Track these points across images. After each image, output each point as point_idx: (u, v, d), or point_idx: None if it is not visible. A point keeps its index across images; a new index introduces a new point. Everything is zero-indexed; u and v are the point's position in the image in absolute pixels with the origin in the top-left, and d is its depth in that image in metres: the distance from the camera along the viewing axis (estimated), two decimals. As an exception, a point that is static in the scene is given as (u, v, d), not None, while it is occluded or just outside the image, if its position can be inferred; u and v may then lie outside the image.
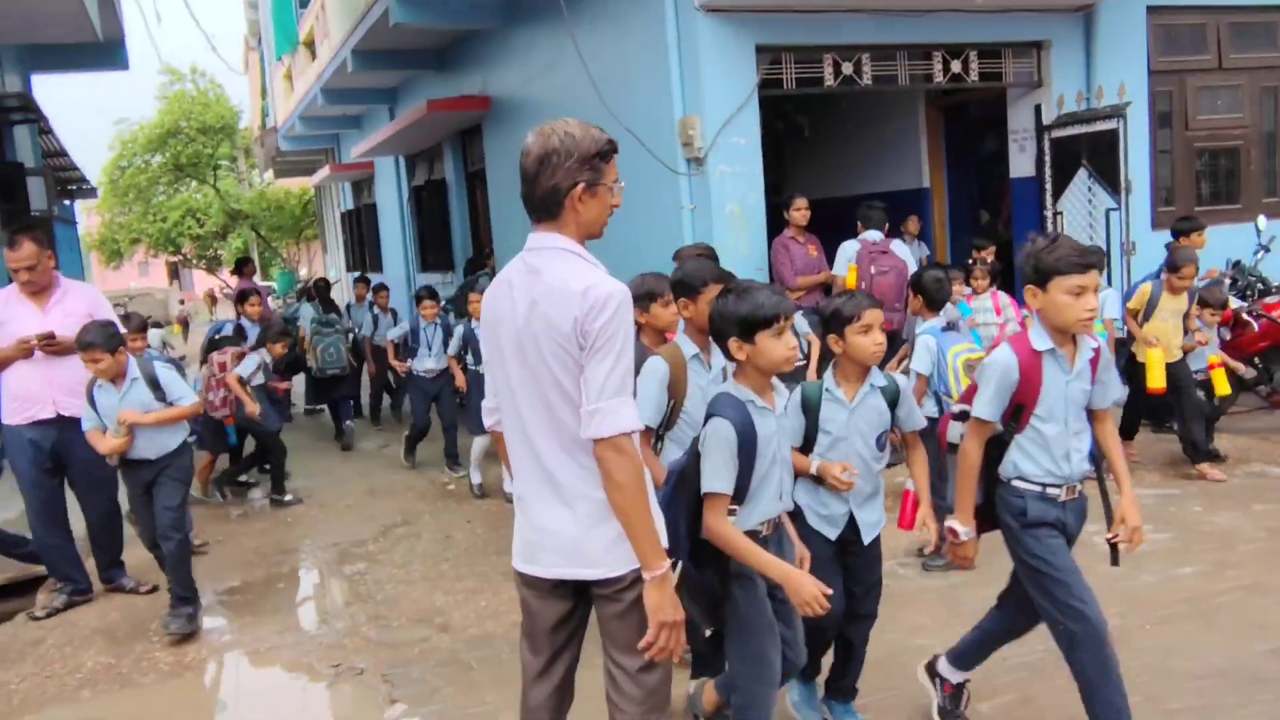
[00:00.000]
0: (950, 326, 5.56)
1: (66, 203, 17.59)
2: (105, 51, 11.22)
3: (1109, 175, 8.27)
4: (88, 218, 33.20)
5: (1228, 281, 7.82)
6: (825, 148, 12.56)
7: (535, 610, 2.65)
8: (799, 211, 7.89)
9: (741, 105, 7.66)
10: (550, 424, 2.48)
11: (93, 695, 4.62)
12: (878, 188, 11.59)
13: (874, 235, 7.70)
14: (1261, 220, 8.14)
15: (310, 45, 16.83)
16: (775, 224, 8.06)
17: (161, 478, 5.30)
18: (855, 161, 12.02)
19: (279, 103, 22.08)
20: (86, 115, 33.18)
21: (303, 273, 34.15)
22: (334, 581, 6.09)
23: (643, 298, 4.01)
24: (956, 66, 8.55)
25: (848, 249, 7.62)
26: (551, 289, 2.42)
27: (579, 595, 2.61)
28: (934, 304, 5.38)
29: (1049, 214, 8.80)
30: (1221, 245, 8.33)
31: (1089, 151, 8.43)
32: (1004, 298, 7.26)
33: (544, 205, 2.48)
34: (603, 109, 8.37)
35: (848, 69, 8.17)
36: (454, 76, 13.22)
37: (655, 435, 3.67)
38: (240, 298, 9.58)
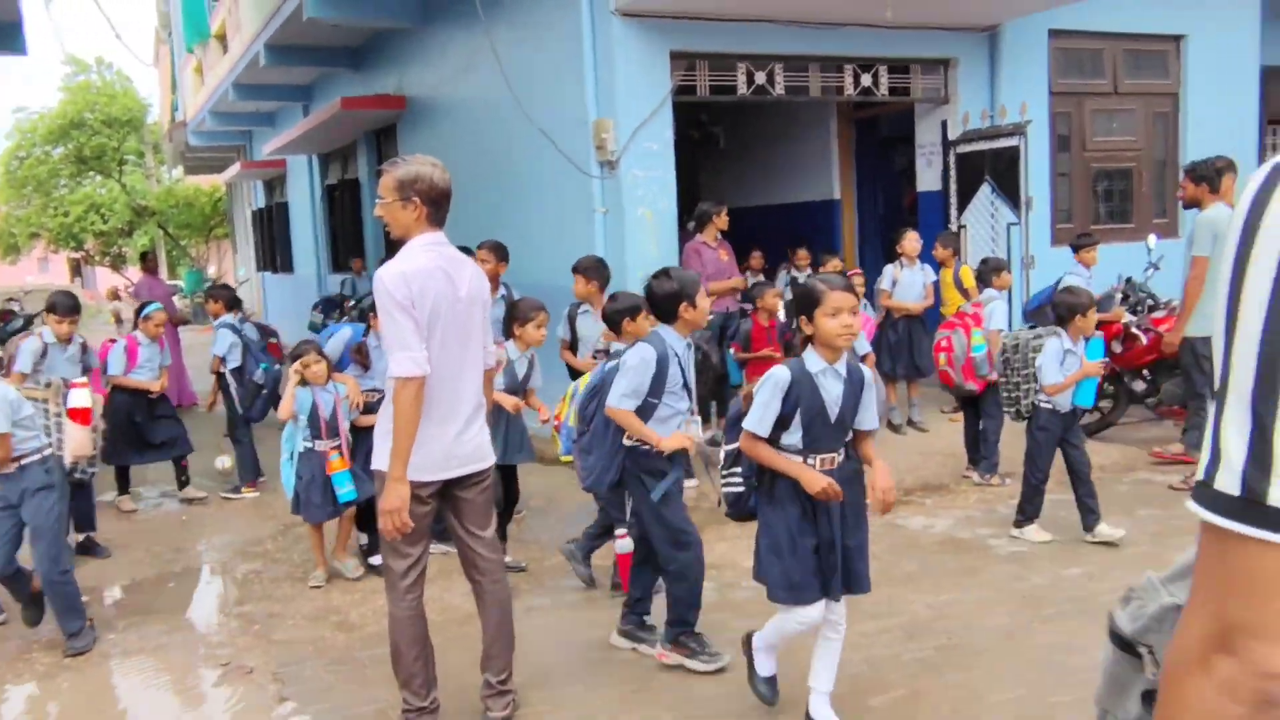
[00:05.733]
0: None
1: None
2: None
3: (1010, 191, 8.53)
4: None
5: (1119, 297, 8.11)
6: (739, 157, 12.71)
7: None
8: (721, 219, 7.93)
9: (655, 110, 7.71)
10: None
11: (-35, 695, 4.43)
12: (790, 198, 11.78)
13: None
14: (1152, 239, 8.46)
15: (222, 38, 16.46)
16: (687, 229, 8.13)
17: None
18: (768, 172, 12.18)
19: (189, 97, 21.53)
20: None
21: (211, 271, 33.29)
22: (228, 580, 5.94)
23: (676, 297, 4.18)
24: (867, 80, 8.73)
25: None
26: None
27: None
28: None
29: (954, 227, 9.03)
30: (1115, 262, 8.64)
31: (992, 167, 8.68)
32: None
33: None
34: (518, 111, 8.36)
35: (761, 78, 8.29)
36: (369, 75, 13.06)
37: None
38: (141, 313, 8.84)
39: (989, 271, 7.20)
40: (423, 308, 3.47)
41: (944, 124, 9.19)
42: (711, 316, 7.41)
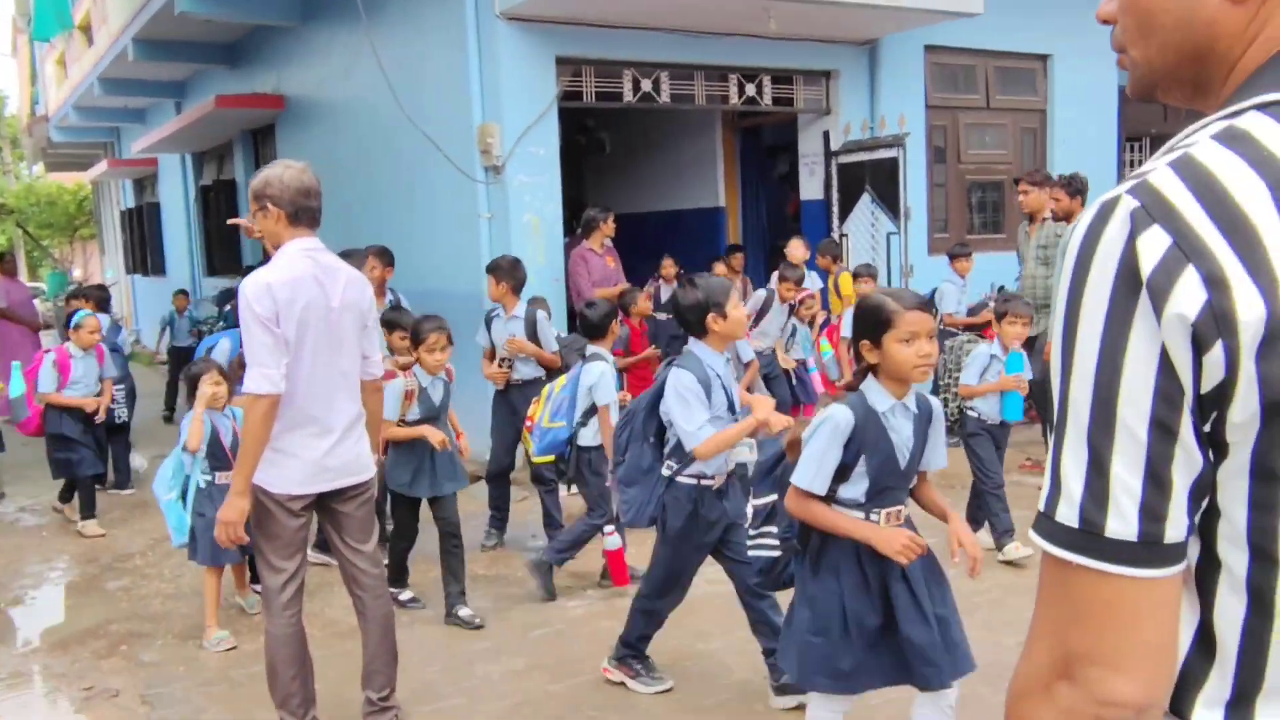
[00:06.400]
0: None
1: None
2: None
3: (890, 201, 8.75)
4: None
5: (992, 303, 8.40)
6: (626, 164, 12.75)
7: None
8: (608, 225, 7.93)
9: (541, 115, 7.67)
10: None
11: None
12: (676, 205, 11.86)
13: None
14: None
15: (86, 30, 15.74)
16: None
17: None
18: (655, 179, 12.26)
19: (50, 90, 20.54)
20: None
21: (76, 274, 31.82)
22: (93, 598, 5.66)
23: (702, 308, 3.70)
24: (751, 90, 8.85)
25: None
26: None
27: None
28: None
29: (835, 235, 9.22)
30: (988, 271, 8.95)
31: (872, 177, 8.89)
32: None
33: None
34: (400, 114, 8.21)
35: (647, 85, 8.32)
36: (247, 73, 12.67)
37: None
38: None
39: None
40: (289, 318, 3.36)
41: (826, 134, 9.38)
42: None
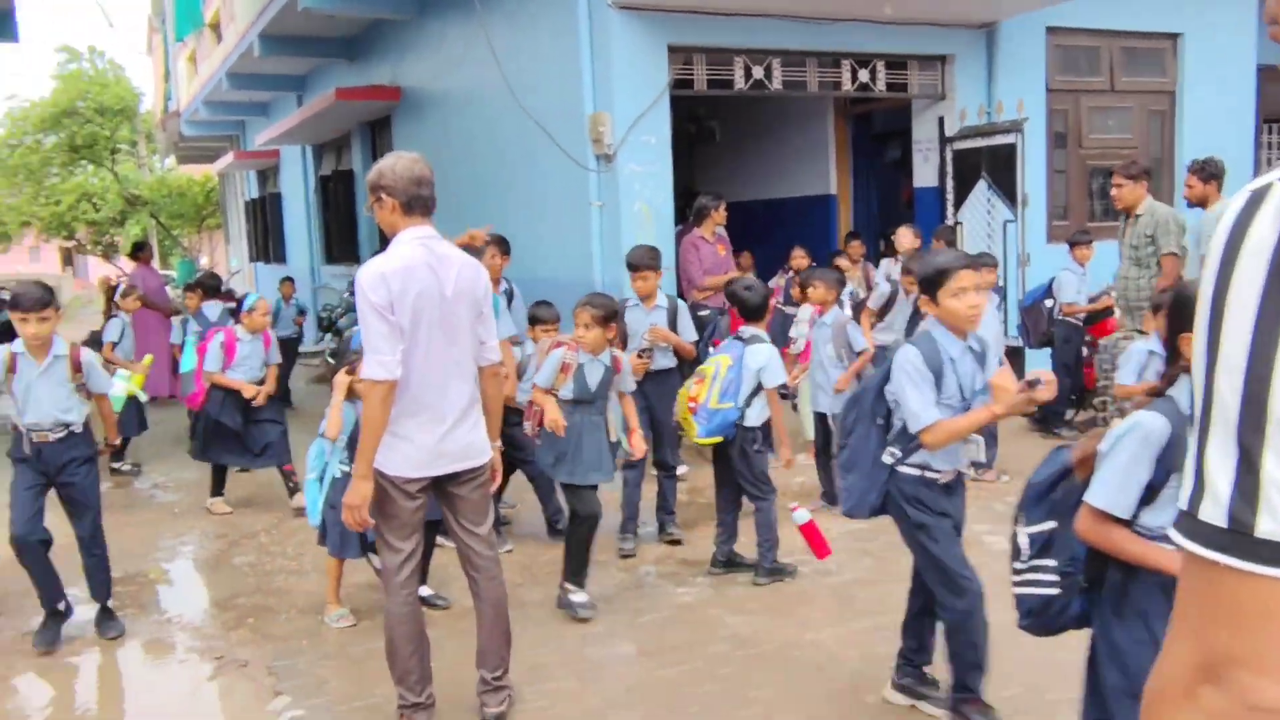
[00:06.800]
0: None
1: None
2: (-7, 20, 10.75)
3: (1007, 188, 8.52)
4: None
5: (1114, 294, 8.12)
6: (735, 151, 12.69)
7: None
8: (720, 213, 7.92)
9: (652, 104, 7.69)
10: None
11: (-43, 688, 4.40)
12: (786, 193, 11.77)
13: None
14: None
15: (216, 28, 16.39)
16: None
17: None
18: (764, 166, 12.17)
19: (182, 86, 21.45)
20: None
21: (203, 261, 33.18)
22: (222, 573, 5.91)
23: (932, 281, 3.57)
24: (864, 76, 8.71)
25: None
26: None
27: None
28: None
29: (950, 222, 9.03)
30: (1110, 260, 8.64)
31: (989, 164, 8.67)
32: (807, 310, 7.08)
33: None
34: (513, 103, 8.33)
35: (758, 73, 8.27)
36: (364, 66, 13.01)
37: None
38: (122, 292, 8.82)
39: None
40: (403, 307, 3.43)
41: (941, 120, 9.19)
42: (706, 312, 7.42)
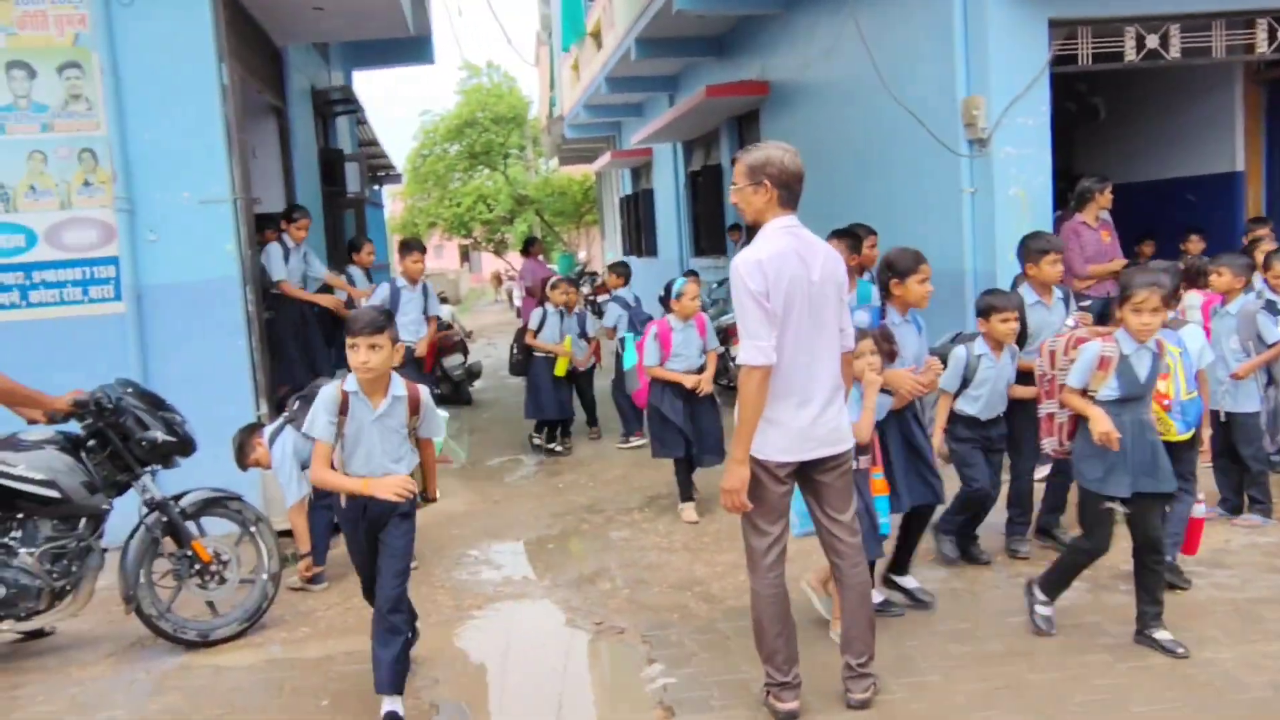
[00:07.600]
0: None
1: (376, 188, 19.27)
2: (415, 47, 12.16)
3: None
4: (392, 202, 36.01)
5: None
6: (1120, 129, 11.71)
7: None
8: (1104, 196, 7.40)
9: (1031, 84, 7.28)
10: None
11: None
12: (1178, 172, 10.71)
13: None
14: None
15: (596, 36, 17.53)
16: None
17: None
18: (1154, 144, 11.14)
19: (565, 92, 23.13)
20: (392, 107, 35.81)
21: (581, 255, 35.60)
22: (600, 545, 6.34)
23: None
24: (1283, 36, 7.73)
25: None
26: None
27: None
28: None
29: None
30: None
31: None
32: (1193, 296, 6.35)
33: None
34: (882, 91, 8.23)
35: (1153, 42, 7.59)
36: (733, 62, 13.36)
37: None
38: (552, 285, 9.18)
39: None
40: (777, 293, 3.55)
41: (1381, 82, 7.97)
42: (1089, 302, 6.95)
